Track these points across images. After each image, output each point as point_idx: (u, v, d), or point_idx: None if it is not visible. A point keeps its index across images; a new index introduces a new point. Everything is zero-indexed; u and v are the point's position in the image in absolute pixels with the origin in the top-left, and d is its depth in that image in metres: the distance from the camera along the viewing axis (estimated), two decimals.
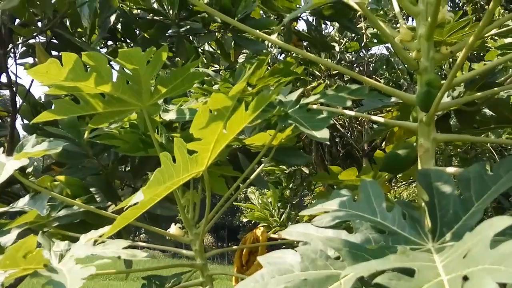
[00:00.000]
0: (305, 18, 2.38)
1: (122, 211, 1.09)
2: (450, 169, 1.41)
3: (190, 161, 1.06)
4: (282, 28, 2.36)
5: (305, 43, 2.49)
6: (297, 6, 2.35)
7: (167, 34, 2.07)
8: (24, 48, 2.16)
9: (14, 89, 2.02)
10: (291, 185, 3.43)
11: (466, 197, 0.83)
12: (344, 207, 0.86)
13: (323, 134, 1.28)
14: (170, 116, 1.55)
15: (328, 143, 1.24)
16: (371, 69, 2.70)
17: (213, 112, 1.07)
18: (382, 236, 0.77)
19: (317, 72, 2.70)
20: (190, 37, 2.16)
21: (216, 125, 1.07)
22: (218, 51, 2.35)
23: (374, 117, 1.52)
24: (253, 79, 1.68)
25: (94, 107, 1.38)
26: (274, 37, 2.55)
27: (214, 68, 2.52)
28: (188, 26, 2.06)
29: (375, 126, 2.67)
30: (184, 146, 1.04)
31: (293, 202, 3.49)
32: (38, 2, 1.80)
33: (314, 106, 1.46)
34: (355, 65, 2.66)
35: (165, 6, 2.02)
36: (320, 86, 1.45)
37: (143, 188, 0.95)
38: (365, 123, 2.53)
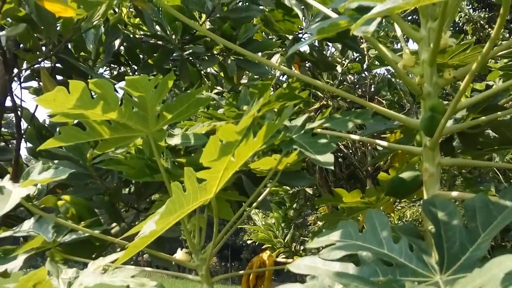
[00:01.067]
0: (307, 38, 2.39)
1: (130, 237, 1.10)
2: (455, 194, 1.42)
3: (200, 189, 1.08)
4: (284, 50, 2.39)
5: (307, 64, 2.51)
6: (299, 27, 2.37)
7: (170, 58, 2.09)
8: (28, 72, 2.18)
9: (19, 113, 2.03)
10: (294, 205, 3.43)
11: (472, 227, 0.84)
12: (350, 238, 0.86)
13: (327, 158, 1.29)
14: (175, 141, 1.56)
15: (332, 167, 1.25)
16: (373, 90, 2.71)
17: (223, 142, 1.09)
18: (389, 269, 0.78)
19: (319, 93, 2.71)
20: (193, 60, 2.17)
21: (226, 155, 1.09)
22: (221, 74, 2.37)
23: (378, 141, 1.53)
24: (258, 104, 1.70)
25: (100, 134, 1.40)
26: (276, 58, 2.57)
27: (217, 90, 2.54)
28: (191, 50, 2.08)
29: (378, 147, 2.68)
30: (194, 175, 1.05)
31: (297, 222, 3.48)
32: (42, 28, 1.82)
33: (319, 130, 1.47)
34: (357, 86, 2.68)
35: (168, 32, 2.04)
36: (326, 111, 1.46)
37: (156, 220, 0.96)
38: (368, 144, 2.54)
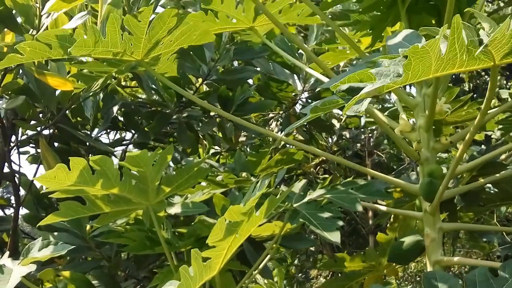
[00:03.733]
0: (304, 100, 2.43)
1: None
2: (456, 259, 1.41)
3: (205, 268, 1.09)
4: (281, 112, 2.42)
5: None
6: (292, 93, 2.40)
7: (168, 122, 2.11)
8: (25, 136, 2.18)
9: (17, 180, 2.03)
10: (296, 261, 3.40)
11: None
12: None
13: (336, 237, 1.28)
14: (175, 210, 1.56)
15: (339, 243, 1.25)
16: (372, 144, 2.73)
17: (229, 222, 1.10)
18: None
19: (319, 149, 2.73)
20: (191, 123, 2.19)
21: (231, 234, 1.11)
22: (219, 134, 2.38)
23: (377, 206, 1.53)
24: (257, 170, 1.71)
25: (101, 208, 1.40)
26: (273, 124, 2.61)
27: (214, 150, 2.55)
28: (189, 114, 2.10)
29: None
30: (200, 256, 1.06)
31: (299, 279, 3.44)
32: (42, 99, 1.84)
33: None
34: (355, 141, 2.70)
35: (164, 97, 2.07)
36: (327, 180, 1.47)
37: None
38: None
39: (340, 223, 1.28)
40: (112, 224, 1.54)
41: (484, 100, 1.04)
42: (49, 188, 1.31)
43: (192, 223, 1.58)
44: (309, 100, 2.44)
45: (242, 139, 2.67)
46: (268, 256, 1.61)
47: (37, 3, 1.61)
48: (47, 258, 1.32)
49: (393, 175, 2.77)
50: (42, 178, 1.28)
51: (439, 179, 1.34)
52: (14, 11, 1.58)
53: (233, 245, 1.15)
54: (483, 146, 3.03)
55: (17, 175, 2.13)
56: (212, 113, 2.19)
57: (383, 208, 1.50)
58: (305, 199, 1.40)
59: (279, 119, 2.61)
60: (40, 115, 2.02)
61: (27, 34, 1.49)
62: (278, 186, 1.67)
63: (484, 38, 0.83)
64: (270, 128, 2.79)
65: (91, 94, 1.91)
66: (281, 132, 2.92)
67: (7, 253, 1.37)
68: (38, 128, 1.96)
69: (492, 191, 1.94)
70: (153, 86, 2.11)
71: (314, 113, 0.91)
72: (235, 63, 2.30)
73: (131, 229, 1.48)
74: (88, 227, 1.65)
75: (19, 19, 1.62)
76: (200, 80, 2.16)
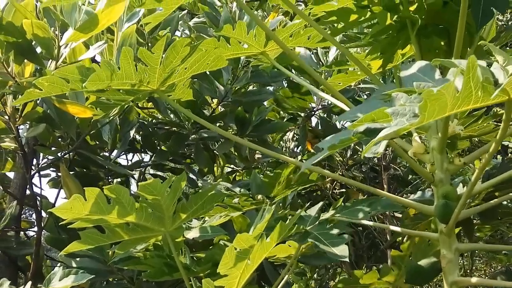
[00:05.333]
0: (318, 115, 2.46)
1: None
2: (474, 280, 1.41)
3: None
4: (297, 127, 2.44)
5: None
6: (310, 104, 2.42)
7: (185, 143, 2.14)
8: (46, 160, 2.22)
9: (38, 204, 2.07)
10: (315, 275, 3.40)
11: None
12: None
13: (343, 251, 1.31)
14: (193, 234, 1.58)
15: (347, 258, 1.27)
16: (388, 158, 2.73)
17: (238, 250, 1.12)
18: None
19: (333, 165, 2.74)
20: (208, 143, 2.22)
21: (242, 261, 1.12)
22: (235, 153, 2.40)
23: (391, 227, 1.54)
24: (272, 192, 1.73)
25: (120, 235, 1.43)
26: (290, 135, 2.62)
27: (229, 169, 2.58)
28: (205, 135, 2.13)
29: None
30: (212, 285, 1.08)
31: None
32: (61, 126, 1.89)
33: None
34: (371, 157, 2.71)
35: (181, 118, 2.10)
36: (338, 201, 1.48)
37: None
38: (387, 212, 2.55)
39: (347, 237, 1.30)
40: (132, 249, 1.57)
41: (501, 119, 1.03)
42: (67, 219, 1.34)
43: (210, 247, 1.60)
44: (322, 115, 2.47)
45: (258, 155, 2.70)
46: (286, 276, 1.63)
47: (55, 34, 1.66)
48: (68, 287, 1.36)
49: (410, 189, 2.79)
50: (59, 210, 1.31)
51: (454, 200, 1.34)
52: (33, 42, 1.63)
53: (246, 272, 1.17)
54: (499, 157, 3.02)
55: (38, 198, 2.18)
56: None
57: (398, 229, 1.50)
58: (318, 221, 1.42)
59: (295, 131, 2.64)
60: (60, 139, 2.07)
61: (47, 69, 1.53)
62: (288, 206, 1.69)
63: (498, 74, 0.84)
64: (286, 144, 2.82)
65: (110, 120, 1.95)
66: (297, 148, 2.95)
67: (29, 283, 1.40)
68: (59, 154, 2.01)
69: (509, 205, 1.93)
70: (170, 107, 2.14)
71: (331, 150, 0.92)
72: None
73: (150, 255, 1.50)
74: (110, 252, 1.68)
75: (37, 49, 1.67)
76: (216, 101, 2.19)
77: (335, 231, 1.37)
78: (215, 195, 1.46)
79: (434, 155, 1.40)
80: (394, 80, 2.00)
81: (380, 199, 1.41)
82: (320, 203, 1.50)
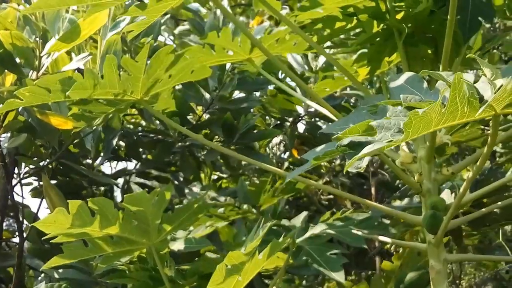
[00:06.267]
0: (305, 121, 2.45)
1: None
2: None
3: None
4: (284, 132, 2.42)
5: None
6: (297, 108, 2.41)
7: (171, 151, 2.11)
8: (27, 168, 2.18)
9: (20, 216, 2.03)
10: (304, 282, 3.39)
11: None
12: None
13: (340, 276, 1.29)
14: (178, 246, 1.56)
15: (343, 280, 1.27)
16: (375, 165, 2.72)
17: (229, 266, 1.10)
18: None
19: (322, 170, 2.73)
20: (194, 151, 2.20)
21: (232, 278, 1.10)
22: (221, 160, 2.38)
23: (381, 238, 1.52)
24: (258, 201, 1.71)
25: (103, 248, 1.40)
26: (277, 140, 2.61)
27: (215, 176, 2.56)
28: (191, 142, 2.11)
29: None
30: None
31: None
32: (43, 135, 1.85)
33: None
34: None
35: (166, 126, 2.07)
36: (326, 214, 1.47)
37: None
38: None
39: (345, 259, 1.28)
40: (116, 262, 1.54)
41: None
42: (50, 233, 1.31)
43: (196, 259, 1.58)
44: (309, 120, 2.46)
45: (245, 162, 2.68)
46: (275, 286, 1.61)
47: (37, 43, 1.62)
48: None
49: (398, 195, 2.78)
50: (42, 223, 1.28)
51: (442, 211, 1.33)
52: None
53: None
54: (488, 162, 3.02)
55: (20, 207, 2.13)
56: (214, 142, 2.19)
57: (387, 239, 1.49)
58: (307, 234, 1.40)
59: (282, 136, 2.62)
60: (42, 147, 2.03)
61: (28, 79, 1.50)
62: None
63: (485, 88, 0.83)
64: (273, 151, 2.80)
65: (93, 129, 1.92)
66: (284, 153, 2.94)
67: None
68: (41, 163, 1.97)
69: (497, 211, 1.93)
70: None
71: (316, 161, 0.91)
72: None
73: (134, 268, 1.48)
74: (94, 264, 1.65)
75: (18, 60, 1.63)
76: (202, 108, 2.16)
77: (329, 249, 1.35)
78: (201, 207, 1.43)
79: (422, 165, 1.39)
80: (381, 84, 1.99)
81: (372, 216, 1.39)
82: (305, 213, 1.48)
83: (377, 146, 0.76)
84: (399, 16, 1.40)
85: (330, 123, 1.30)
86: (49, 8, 1.30)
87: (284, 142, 2.74)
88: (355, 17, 1.45)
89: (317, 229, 1.40)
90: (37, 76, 1.58)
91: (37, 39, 1.61)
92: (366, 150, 0.77)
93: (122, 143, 2.24)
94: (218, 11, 2.24)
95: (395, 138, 0.78)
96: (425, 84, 1.00)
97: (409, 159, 1.41)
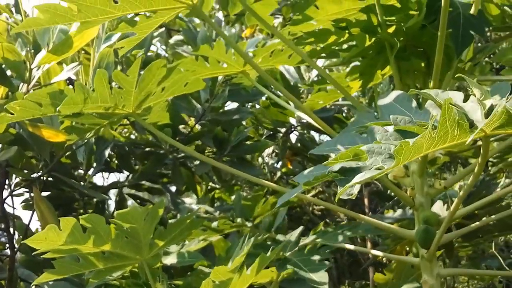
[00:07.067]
0: (298, 132, 2.45)
1: None
2: None
3: None
4: (276, 144, 2.41)
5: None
6: (289, 119, 2.40)
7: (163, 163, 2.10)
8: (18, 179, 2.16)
9: (11, 229, 2.01)
10: None
11: None
12: None
13: (322, 278, 1.31)
14: (171, 260, 1.55)
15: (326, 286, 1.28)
16: None
17: (216, 282, 1.09)
18: None
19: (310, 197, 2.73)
20: (186, 161, 2.19)
21: None
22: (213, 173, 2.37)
23: (373, 251, 1.52)
24: (251, 215, 1.70)
25: (95, 264, 1.39)
26: (269, 150, 2.60)
27: (209, 186, 2.54)
28: (183, 154, 2.10)
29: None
30: None
31: None
32: (35, 148, 1.84)
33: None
34: None
35: (158, 138, 2.06)
36: (319, 226, 1.46)
37: None
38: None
39: (327, 263, 1.29)
40: (108, 277, 1.53)
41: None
42: (41, 249, 1.30)
43: (189, 273, 1.57)
44: (301, 131, 2.46)
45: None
46: None
47: (29, 54, 1.61)
48: None
49: (390, 204, 2.78)
50: (33, 240, 1.27)
51: (435, 225, 1.33)
52: (4, 65, 1.58)
53: None
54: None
55: (11, 218, 2.11)
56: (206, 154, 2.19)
57: (380, 253, 1.48)
58: (297, 247, 1.41)
59: (275, 151, 2.61)
60: (33, 159, 2.01)
61: (18, 93, 1.49)
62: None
63: (475, 109, 0.83)
64: (265, 161, 2.79)
65: (84, 142, 1.91)
66: (277, 163, 2.93)
67: None
68: (32, 175, 1.96)
69: (490, 223, 1.93)
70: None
71: (306, 186, 0.91)
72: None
73: (126, 283, 1.46)
74: (86, 278, 1.64)
75: (8, 72, 1.62)
76: (193, 119, 2.16)
77: (316, 257, 1.35)
78: (194, 222, 1.43)
79: (414, 179, 1.39)
80: (373, 93, 1.99)
81: (361, 224, 1.40)
82: (301, 228, 1.48)
83: (368, 175, 0.77)
84: (390, 30, 1.40)
85: (321, 141, 1.30)
86: (39, 26, 1.29)
87: (276, 151, 2.74)
88: (346, 31, 1.46)
89: (307, 240, 1.40)
90: (28, 88, 1.58)
91: (28, 49, 1.60)
92: (357, 179, 0.77)
93: (113, 154, 2.22)
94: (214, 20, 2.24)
95: (386, 164, 0.78)
96: (414, 103, 1.00)
97: (401, 173, 1.41)
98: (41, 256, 1.33)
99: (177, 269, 1.71)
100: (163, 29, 2.41)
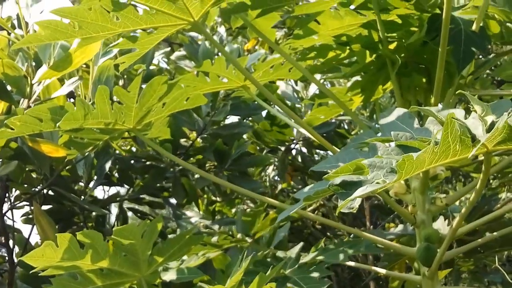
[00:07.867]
0: (298, 148, 2.44)
1: None
2: None
3: None
4: (276, 160, 2.41)
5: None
6: (290, 138, 2.40)
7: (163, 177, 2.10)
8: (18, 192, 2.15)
9: (11, 244, 2.00)
10: None
11: None
12: None
13: None
14: (170, 276, 1.54)
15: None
16: None
17: None
18: None
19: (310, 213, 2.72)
20: (187, 174, 2.18)
21: None
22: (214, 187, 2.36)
23: (374, 268, 1.51)
24: (251, 230, 1.69)
25: (93, 282, 1.38)
26: (270, 169, 2.60)
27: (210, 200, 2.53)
28: (184, 167, 2.09)
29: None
30: None
31: None
32: (35, 161, 1.83)
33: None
34: None
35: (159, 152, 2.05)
36: (319, 243, 1.45)
37: None
38: None
39: (328, 281, 1.28)
40: None
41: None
42: (38, 267, 1.29)
43: None
44: (302, 147, 2.46)
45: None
46: None
47: (30, 69, 1.61)
48: None
49: (392, 218, 2.76)
50: (30, 257, 1.26)
51: (436, 243, 1.32)
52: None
53: None
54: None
55: (11, 231, 2.10)
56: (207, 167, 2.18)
57: (382, 270, 1.47)
58: (297, 264, 1.40)
59: (275, 163, 2.61)
60: (33, 173, 2.01)
61: (19, 108, 1.49)
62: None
63: (476, 125, 0.83)
64: (267, 174, 2.79)
65: (84, 156, 1.90)
66: (278, 176, 2.92)
67: None
68: (32, 189, 1.95)
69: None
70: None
71: (307, 201, 0.90)
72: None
73: None
74: None
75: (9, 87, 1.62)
76: (195, 133, 2.15)
77: (315, 275, 1.34)
78: (192, 238, 1.42)
79: (415, 196, 1.38)
80: (374, 107, 1.99)
81: (363, 241, 1.38)
82: (301, 244, 1.47)
83: (370, 189, 0.75)
84: (392, 46, 1.40)
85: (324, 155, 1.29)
86: (40, 42, 1.30)
87: (277, 166, 2.73)
88: (347, 47, 1.45)
89: (308, 257, 1.39)
90: (28, 104, 1.57)
91: (29, 64, 1.60)
92: (358, 192, 0.76)
93: (114, 168, 2.22)
94: (214, 36, 2.24)
95: (388, 178, 0.77)
96: (416, 121, 1.00)
97: (402, 190, 1.40)
98: (39, 274, 1.32)
99: (177, 285, 1.69)
100: (168, 48, 2.42)
